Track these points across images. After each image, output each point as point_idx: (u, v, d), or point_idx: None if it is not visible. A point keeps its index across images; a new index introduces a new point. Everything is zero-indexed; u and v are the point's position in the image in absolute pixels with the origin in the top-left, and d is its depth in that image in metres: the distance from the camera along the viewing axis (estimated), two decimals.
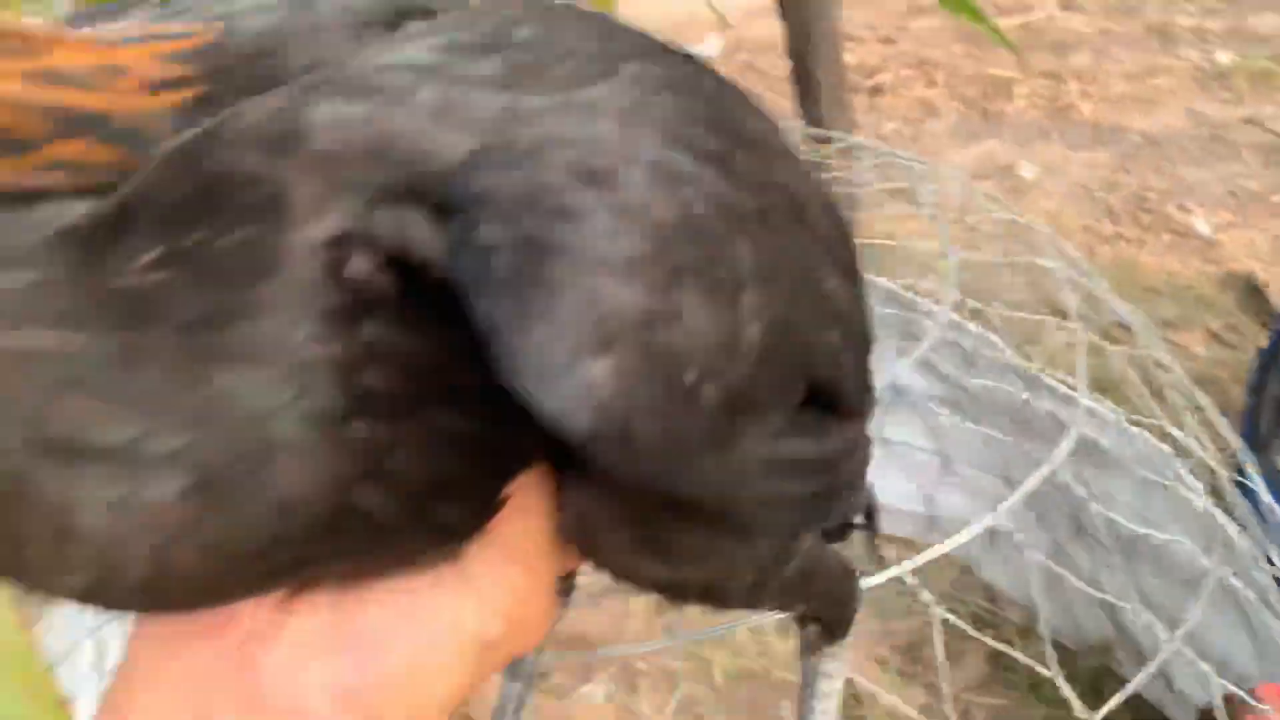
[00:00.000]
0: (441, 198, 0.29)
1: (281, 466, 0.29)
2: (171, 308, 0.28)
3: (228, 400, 0.29)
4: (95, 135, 0.27)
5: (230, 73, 0.30)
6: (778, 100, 2.33)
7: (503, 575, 0.39)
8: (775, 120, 0.42)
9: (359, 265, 0.29)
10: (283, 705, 0.36)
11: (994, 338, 1.36)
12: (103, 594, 0.33)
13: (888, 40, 5.18)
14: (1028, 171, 3.44)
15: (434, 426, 0.32)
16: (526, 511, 0.39)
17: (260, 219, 0.28)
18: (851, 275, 0.44)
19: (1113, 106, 3.97)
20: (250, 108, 0.29)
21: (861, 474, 0.47)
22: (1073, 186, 3.38)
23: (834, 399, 0.40)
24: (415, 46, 0.32)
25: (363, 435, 0.30)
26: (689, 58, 0.39)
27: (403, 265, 0.29)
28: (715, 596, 0.47)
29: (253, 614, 0.37)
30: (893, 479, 1.63)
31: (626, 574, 0.42)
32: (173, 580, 0.32)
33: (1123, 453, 1.32)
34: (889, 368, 1.61)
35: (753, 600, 0.50)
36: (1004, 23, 5.01)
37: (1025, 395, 1.28)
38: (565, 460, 0.38)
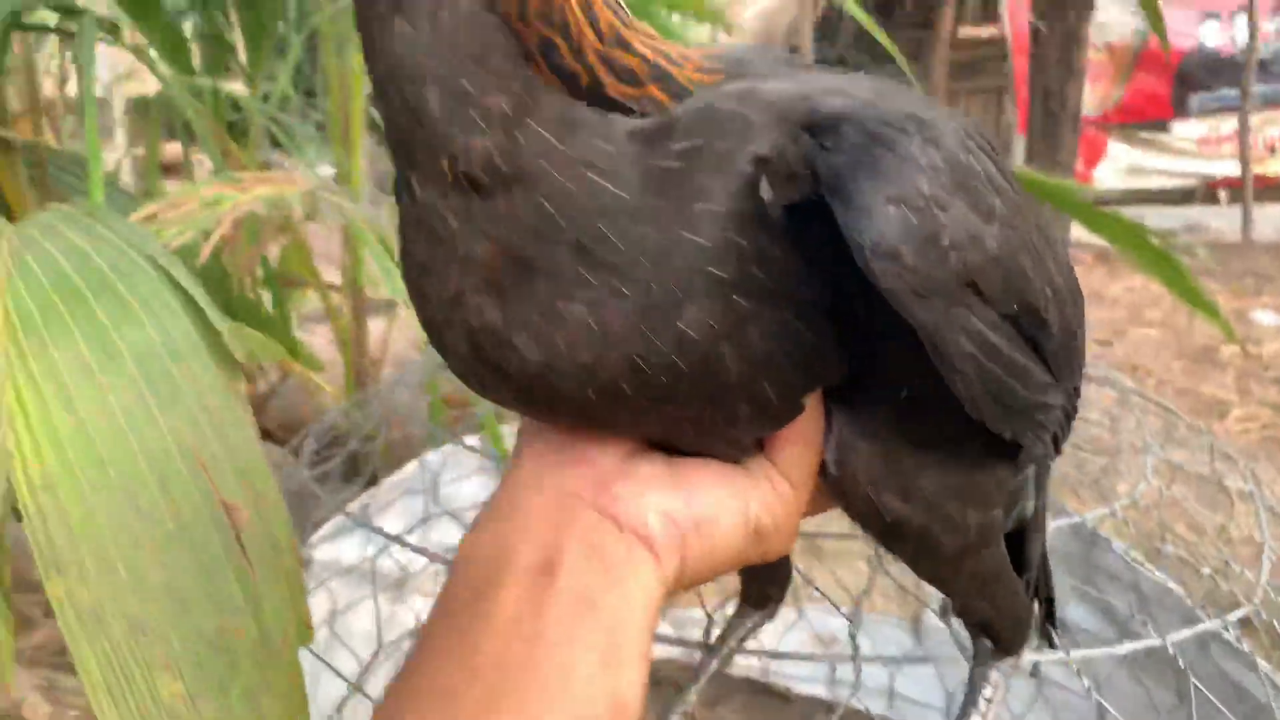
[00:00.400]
0: (827, 125, 0.49)
1: (688, 309, 0.47)
2: (677, 183, 0.46)
3: (680, 248, 0.47)
4: (663, 86, 0.48)
5: (729, 67, 0.51)
6: None
7: (779, 485, 0.56)
8: None
9: (769, 187, 0.47)
10: (626, 517, 0.53)
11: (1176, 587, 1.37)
12: (541, 385, 0.50)
13: (1104, 342, 5.23)
14: (1232, 483, 3.35)
15: (778, 316, 0.49)
16: (804, 442, 0.56)
17: (735, 136, 0.49)
18: (1074, 297, 0.59)
19: None
20: (733, 86, 0.49)
21: (1060, 431, 0.59)
22: None
23: (1038, 345, 0.54)
24: (820, 73, 0.54)
25: (739, 305, 0.48)
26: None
27: (790, 198, 0.47)
28: (927, 550, 0.60)
29: (610, 457, 0.54)
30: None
31: (867, 508, 0.57)
32: (589, 383, 0.49)
33: None
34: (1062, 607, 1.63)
35: (951, 570, 0.62)
36: (1229, 349, 4.99)
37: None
38: (829, 409, 0.54)
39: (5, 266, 1.11)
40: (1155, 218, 8.45)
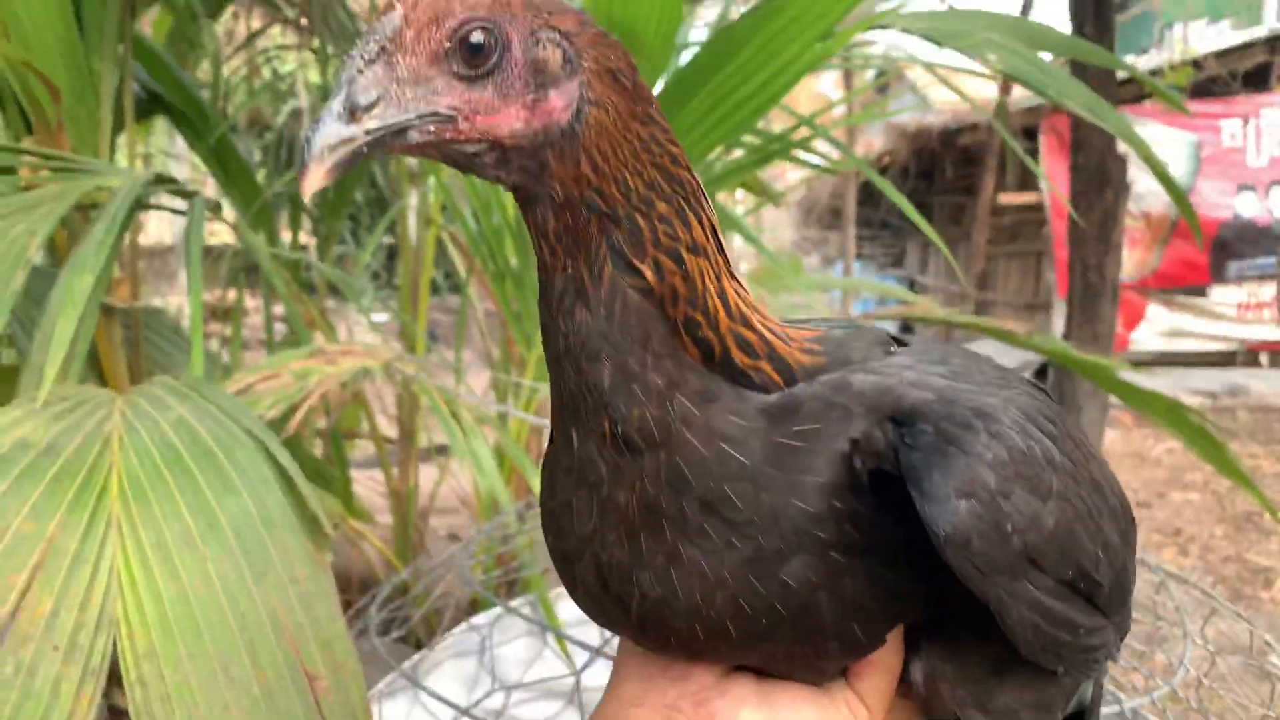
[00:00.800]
0: (907, 418, 0.56)
1: (792, 563, 0.56)
2: (793, 458, 0.56)
3: (787, 512, 0.56)
4: (774, 364, 0.59)
5: (830, 352, 0.63)
6: None
7: (858, 709, 0.63)
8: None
9: (859, 460, 0.57)
10: None
11: None
12: (656, 619, 0.59)
13: (1144, 505, 5.16)
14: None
15: (868, 567, 0.57)
16: (883, 671, 0.63)
17: (838, 422, 0.61)
18: (1125, 538, 0.66)
19: None
20: (852, 377, 0.62)
21: (1103, 656, 0.66)
22: None
23: (1091, 597, 0.61)
24: (904, 357, 0.67)
25: (836, 560, 0.56)
26: (1046, 392, 0.67)
27: (876, 466, 0.56)
28: None
29: (706, 675, 0.62)
30: None
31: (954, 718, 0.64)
32: (697, 618, 0.57)
33: None
34: None
35: None
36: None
37: None
38: (917, 636, 0.62)
39: (118, 437, 1.21)
40: (1198, 380, 8.45)
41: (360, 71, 0.56)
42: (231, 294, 3.82)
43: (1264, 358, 9.17)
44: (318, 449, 2.97)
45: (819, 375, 0.63)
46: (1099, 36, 3.28)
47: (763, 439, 0.59)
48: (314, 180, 0.54)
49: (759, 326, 0.62)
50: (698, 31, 3.24)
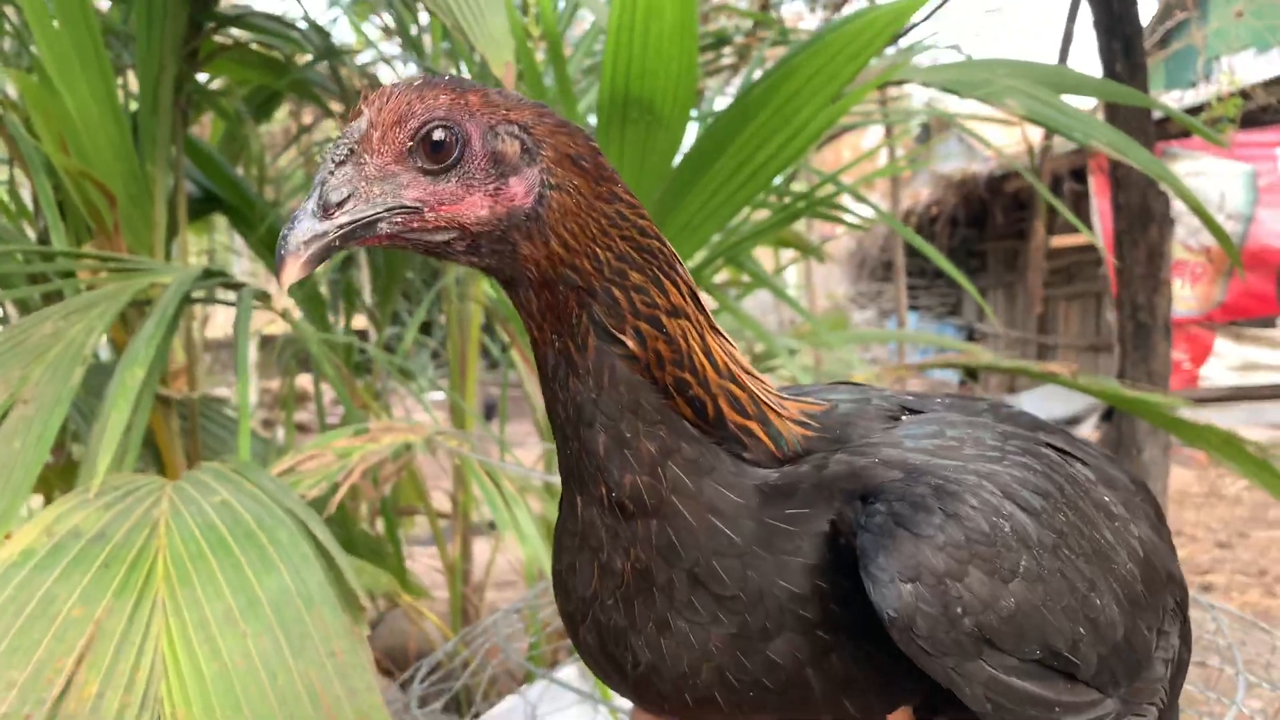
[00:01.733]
0: (870, 499, 0.62)
1: (779, 640, 0.58)
2: (784, 540, 0.59)
3: (773, 591, 0.58)
4: (765, 428, 0.61)
5: (828, 428, 0.64)
6: None
7: None
8: (1132, 497, 0.69)
9: (843, 540, 0.58)
10: None
11: None
12: (647, 684, 0.61)
13: (1224, 545, 4.98)
14: None
15: (856, 645, 0.59)
16: None
17: (821, 503, 0.63)
18: (1135, 604, 0.65)
19: None
20: (834, 458, 0.65)
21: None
22: None
23: (1071, 673, 0.61)
24: (901, 430, 0.69)
25: (822, 638, 0.58)
26: (1063, 451, 0.69)
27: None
28: None
29: None
30: None
31: None
32: (686, 687, 0.59)
33: None
34: None
35: None
36: None
37: None
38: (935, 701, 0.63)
39: (165, 522, 1.26)
40: (1273, 414, 8.15)
41: (332, 172, 0.62)
42: (295, 380, 3.94)
43: None
44: (376, 525, 3.02)
45: (811, 452, 0.65)
46: (1130, 76, 3.27)
47: (754, 518, 0.62)
48: (290, 273, 0.60)
49: (748, 384, 0.65)
50: (724, 100, 3.31)
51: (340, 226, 0.61)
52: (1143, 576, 0.69)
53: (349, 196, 0.62)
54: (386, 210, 0.62)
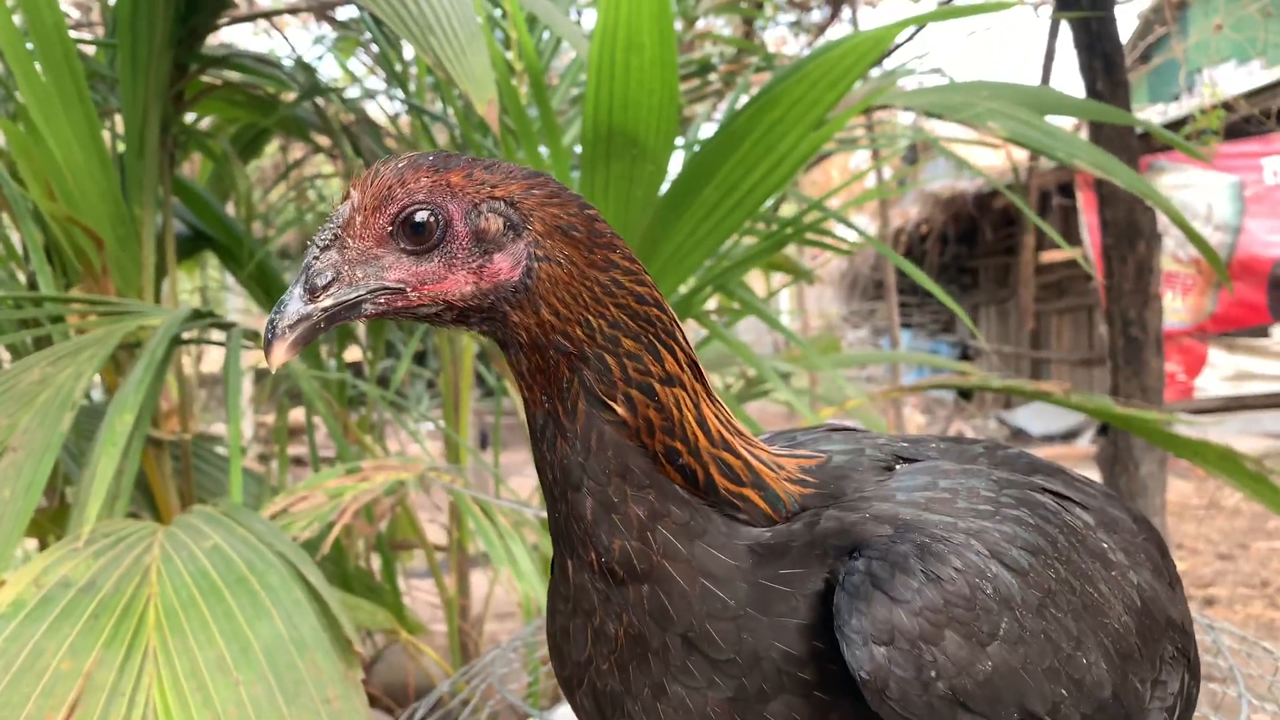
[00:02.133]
0: (857, 553, 0.62)
1: (776, 703, 0.58)
2: (779, 601, 0.59)
3: (769, 654, 0.58)
4: (761, 493, 0.61)
5: (824, 483, 0.64)
6: None
7: None
8: (1136, 545, 0.69)
9: (832, 599, 0.61)
10: None
11: None
12: None
13: (1226, 556, 4.97)
14: None
15: (853, 704, 0.60)
16: None
17: (815, 561, 0.63)
18: (1127, 658, 0.64)
19: None
20: (826, 514, 0.65)
21: None
22: None
23: None
24: (895, 482, 0.69)
25: (819, 698, 0.59)
26: (1061, 496, 0.69)
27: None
28: None
29: None
30: None
31: None
32: None
33: None
34: None
35: None
36: None
37: None
38: None
39: (156, 569, 1.25)
40: (1269, 423, 8.16)
41: (317, 257, 0.64)
42: (292, 415, 3.93)
43: None
44: (373, 561, 3.01)
45: (809, 508, 0.65)
46: (1112, 93, 3.30)
47: (748, 579, 0.62)
48: (278, 356, 0.62)
49: (743, 452, 0.65)
50: (710, 126, 3.33)
51: (325, 310, 0.63)
52: (1138, 628, 0.68)
53: (333, 280, 0.63)
54: (369, 292, 0.64)
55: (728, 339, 2.28)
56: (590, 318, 0.62)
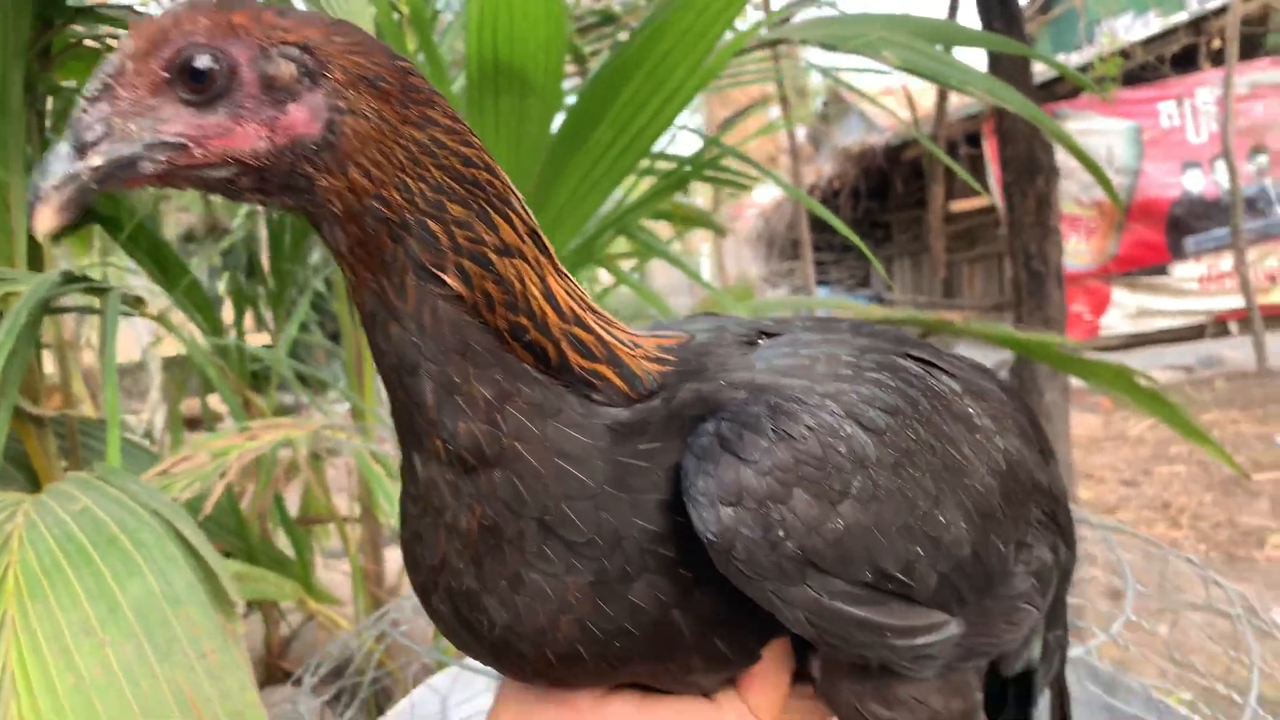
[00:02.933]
0: (709, 418, 0.58)
1: (640, 583, 0.54)
2: (638, 478, 0.56)
3: (630, 532, 0.54)
4: (618, 369, 0.59)
5: (685, 360, 0.63)
6: None
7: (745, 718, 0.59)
8: (1003, 413, 0.67)
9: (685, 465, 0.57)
10: None
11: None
12: (505, 646, 0.56)
13: (1130, 483, 5.14)
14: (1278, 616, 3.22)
15: (719, 579, 0.54)
16: (770, 682, 0.60)
17: (674, 434, 0.59)
18: (989, 518, 0.62)
19: None
20: (685, 387, 0.61)
21: (954, 653, 0.62)
22: None
23: (909, 595, 0.58)
24: (755, 354, 0.65)
25: (685, 576, 0.54)
26: (927, 363, 0.66)
27: None
28: None
29: (585, 698, 0.59)
30: None
31: (856, 712, 0.62)
32: (545, 643, 0.55)
33: None
34: None
35: None
36: (1262, 476, 4.88)
37: None
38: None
39: (18, 535, 1.18)
40: (1171, 356, 8.48)
41: (85, 110, 0.56)
42: (208, 400, 3.79)
43: (1233, 326, 9.22)
44: (282, 539, 2.92)
45: (668, 385, 0.61)
46: (1007, 31, 3.33)
47: (606, 458, 0.57)
48: (44, 220, 0.54)
49: (597, 328, 0.60)
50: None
51: (94, 168, 0.55)
52: (1002, 490, 0.66)
53: (104, 135, 0.55)
54: (145, 148, 0.56)
55: (635, 284, 2.25)
56: (408, 180, 0.56)
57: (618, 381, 0.59)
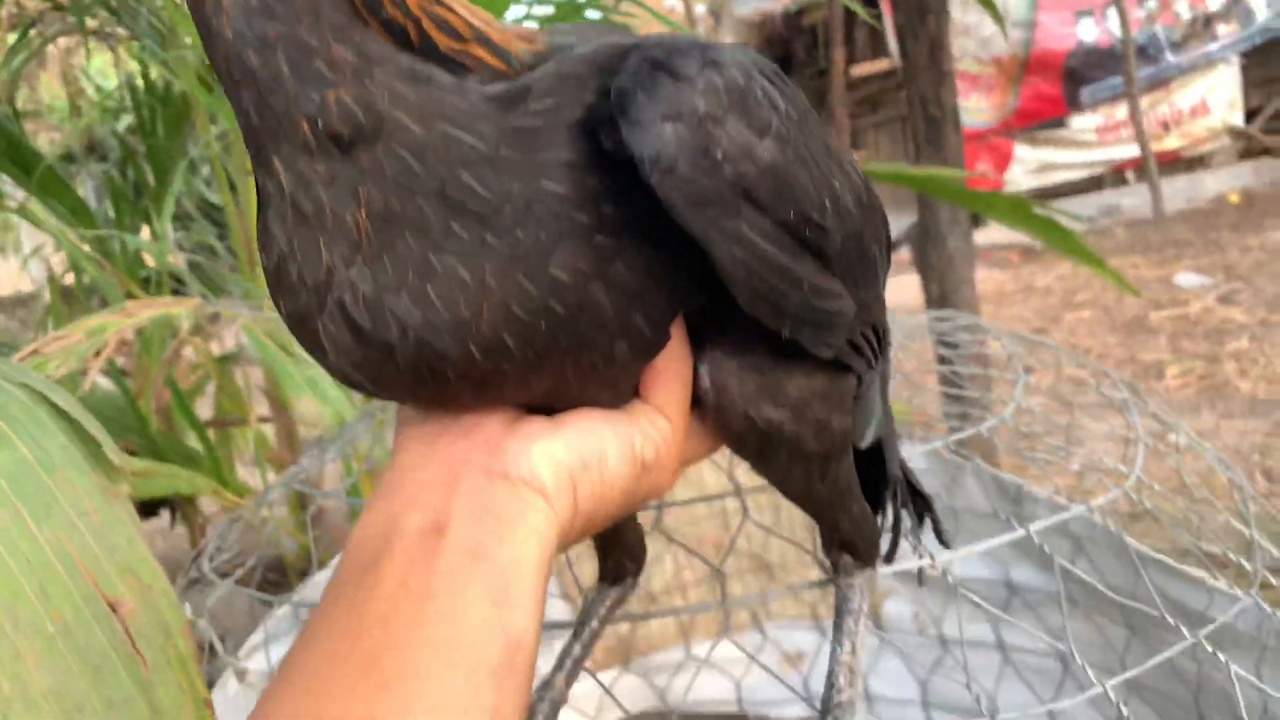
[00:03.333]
0: (623, 62, 0.53)
1: (559, 253, 0.49)
2: (533, 138, 0.50)
3: (539, 196, 0.49)
4: (488, 48, 0.53)
5: (556, 44, 0.56)
6: None
7: (657, 420, 0.58)
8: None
9: (604, 137, 0.51)
10: (515, 469, 0.55)
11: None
12: (424, 350, 0.51)
13: (1040, 330, 5.31)
14: (1177, 439, 3.38)
15: (638, 249, 0.51)
16: (675, 377, 0.58)
17: (570, 90, 0.53)
18: (865, 209, 0.61)
19: (1273, 385, 3.91)
20: (573, 55, 0.55)
21: (841, 326, 0.60)
22: (1224, 450, 3.30)
23: (820, 252, 0.56)
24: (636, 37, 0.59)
25: (602, 244, 0.49)
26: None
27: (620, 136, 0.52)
28: (801, 456, 0.62)
29: (494, 423, 0.55)
30: (1010, 688, 1.58)
31: (744, 423, 0.59)
32: (470, 336, 0.50)
33: None
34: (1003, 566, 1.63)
35: (820, 476, 0.64)
36: (1159, 314, 5.09)
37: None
38: (701, 341, 0.56)
39: None
40: (1073, 206, 8.71)
41: None
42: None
43: (1130, 175, 9.49)
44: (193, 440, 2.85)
45: (548, 60, 0.55)
46: None
47: (494, 124, 0.51)
48: None
49: (463, 11, 0.53)
50: None
51: None
52: (867, 196, 0.65)
53: None
54: None
55: None
56: None
57: (490, 59, 0.53)
